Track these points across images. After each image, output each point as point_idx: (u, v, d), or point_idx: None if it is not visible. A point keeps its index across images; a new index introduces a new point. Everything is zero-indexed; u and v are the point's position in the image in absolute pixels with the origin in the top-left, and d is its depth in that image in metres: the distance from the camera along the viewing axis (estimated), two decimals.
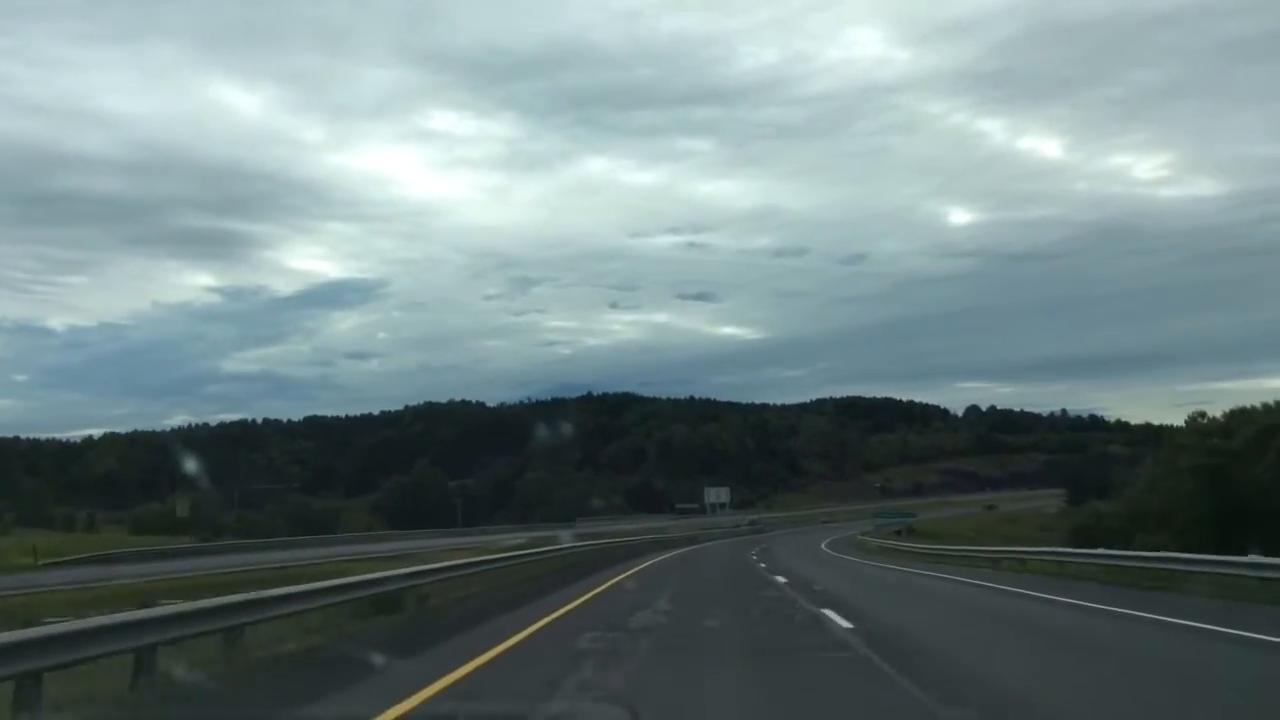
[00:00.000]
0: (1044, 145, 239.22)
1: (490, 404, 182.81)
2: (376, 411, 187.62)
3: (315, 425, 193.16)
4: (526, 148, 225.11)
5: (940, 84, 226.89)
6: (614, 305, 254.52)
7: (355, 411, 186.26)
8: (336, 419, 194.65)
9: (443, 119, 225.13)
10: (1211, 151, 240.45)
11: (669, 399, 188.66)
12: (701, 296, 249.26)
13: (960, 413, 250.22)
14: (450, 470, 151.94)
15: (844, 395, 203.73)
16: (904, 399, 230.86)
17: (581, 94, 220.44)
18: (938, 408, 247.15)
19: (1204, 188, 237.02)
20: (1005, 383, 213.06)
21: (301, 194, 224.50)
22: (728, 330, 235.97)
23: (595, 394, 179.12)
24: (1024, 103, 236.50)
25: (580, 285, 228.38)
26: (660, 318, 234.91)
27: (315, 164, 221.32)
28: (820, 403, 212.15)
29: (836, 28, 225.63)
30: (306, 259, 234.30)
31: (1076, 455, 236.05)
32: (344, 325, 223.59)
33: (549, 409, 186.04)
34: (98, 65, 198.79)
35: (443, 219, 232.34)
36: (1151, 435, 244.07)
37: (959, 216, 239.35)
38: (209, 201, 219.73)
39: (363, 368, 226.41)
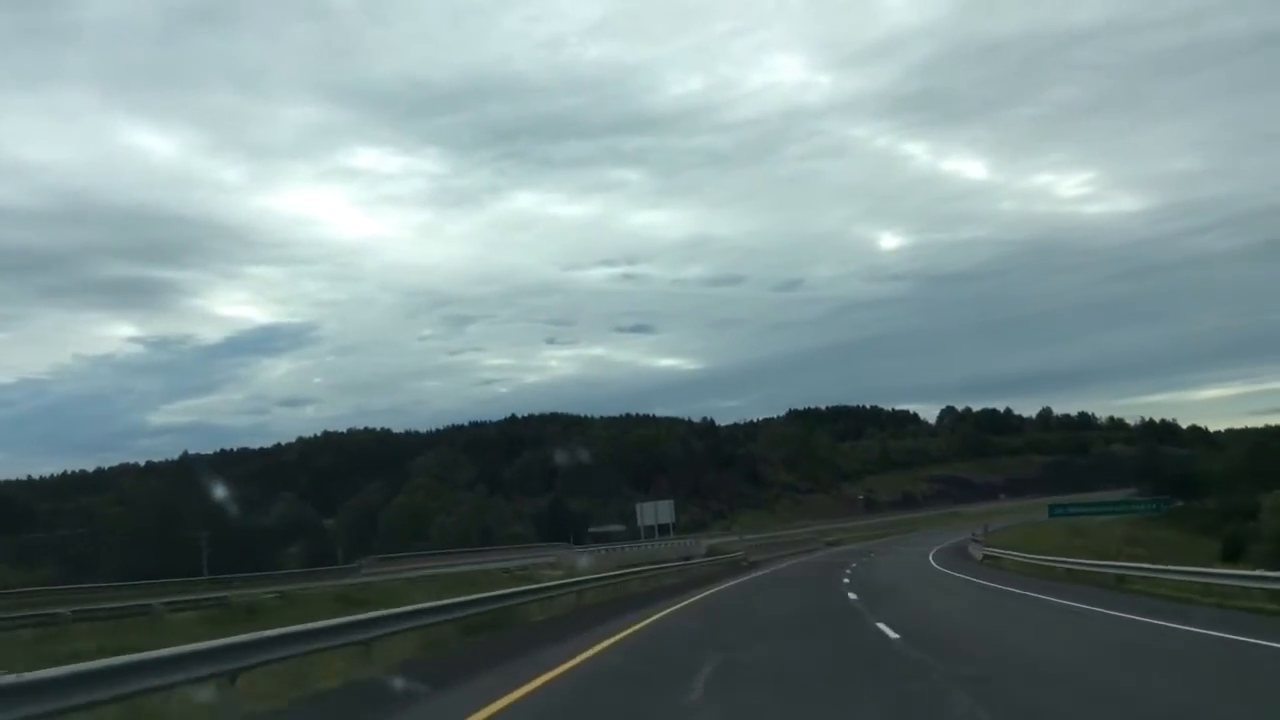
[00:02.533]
0: (968, 166, 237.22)
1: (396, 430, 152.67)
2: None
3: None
4: (453, 183, 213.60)
5: (864, 108, 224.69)
6: (551, 340, 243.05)
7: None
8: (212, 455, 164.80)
9: (366, 156, 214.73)
10: (1132, 167, 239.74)
11: (601, 417, 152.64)
12: (639, 328, 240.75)
13: (933, 419, 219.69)
14: (329, 503, 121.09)
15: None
16: (867, 405, 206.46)
17: (507, 126, 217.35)
18: (908, 412, 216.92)
19: (1126, 203, 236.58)
20: (939, 404, 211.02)
21: (223, 238, 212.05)
22: (667, 362, 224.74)
23: (519, 416, 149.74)
24: (946, 124, 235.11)
25: (516, 321, 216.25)
26: (598, 351, 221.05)
27: (236, 206, 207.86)
28: (770, 420, 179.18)
29: (759, 53, 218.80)
30: (232, 305, 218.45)
31: (1079, 457, 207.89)
32: (276, 372, 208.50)
33: (458, 433, 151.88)
34: (1, 112, 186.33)
35: (371, 259, 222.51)
36: (1155, 432, 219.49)
37: (890, 240, 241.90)
38: (127, 249, 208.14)
39: (299, 415, 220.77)
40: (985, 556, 39.70)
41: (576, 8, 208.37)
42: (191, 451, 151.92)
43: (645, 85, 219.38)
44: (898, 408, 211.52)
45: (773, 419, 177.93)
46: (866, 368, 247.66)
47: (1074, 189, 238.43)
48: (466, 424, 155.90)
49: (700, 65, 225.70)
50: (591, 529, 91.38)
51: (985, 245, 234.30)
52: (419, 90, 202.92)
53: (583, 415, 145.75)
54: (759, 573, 38.80)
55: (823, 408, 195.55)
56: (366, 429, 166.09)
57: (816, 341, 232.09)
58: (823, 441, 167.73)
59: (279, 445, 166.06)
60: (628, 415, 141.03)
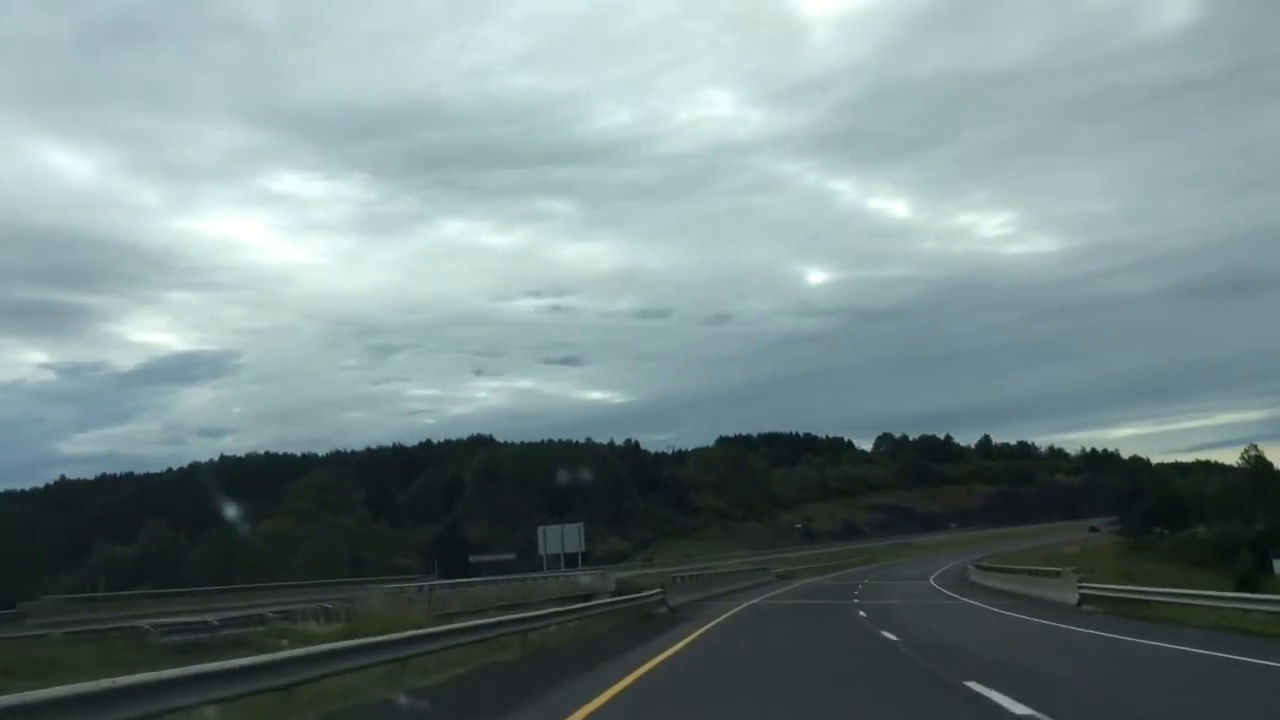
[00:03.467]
0: (893, 205, 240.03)
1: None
2: None
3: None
4: (380, 210, 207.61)
5: (792, 144, 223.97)
6: (478, 372, 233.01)
7: None
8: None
9: (290, 181, 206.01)
10: (1050, 208, 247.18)
11: (520, 443, 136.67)
12: (567, 361, 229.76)
13: (869, 446, 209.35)
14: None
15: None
16: (799, 432, 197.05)
17: (435, 154, 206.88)
18: (842, 439, 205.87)
19: (1043, 244, 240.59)
20: (866, 440, 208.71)
21: (140, 262, 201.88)
22: (596, 394, 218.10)
23: (435, 441, 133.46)
24: (872, 162, 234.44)
25: (443, 352, 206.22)
26: (525, 383, 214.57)
27: (154, 229, 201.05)
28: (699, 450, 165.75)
29: (689, 87, 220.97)
30: (149, 331, 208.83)
31: (1023, 486, 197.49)
32: (194, 401, 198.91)
33: (350, 455, 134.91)
34: None
35: (294, 286, 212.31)
36: (1098, 462, 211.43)
37: (817, 276, 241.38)
38: (38, 272, 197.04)
39: (217, 445, 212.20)
40: (1083, 598, 25.53)
41: (504, 37, 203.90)
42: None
43: (574, 116, 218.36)
44: (832, 435, 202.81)
45: (704, 447, 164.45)
46: (797, 402, 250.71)
47: (994, 229, 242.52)
48: (364, 449, 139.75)
49: (630, 97, 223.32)
50: (473, 558, 75.70)
51: (910, 283, 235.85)
52: (345, 115, 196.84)
53: (496, 438, 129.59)
54: (681, 642, 19.40)
55: (754, 435, 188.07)
56: (252, 454, 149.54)
57: (747, 376, 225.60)
58: (756, 466, 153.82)
59: (169, 470, 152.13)
60: (546, 441, 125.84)
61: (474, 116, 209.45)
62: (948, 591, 40.03)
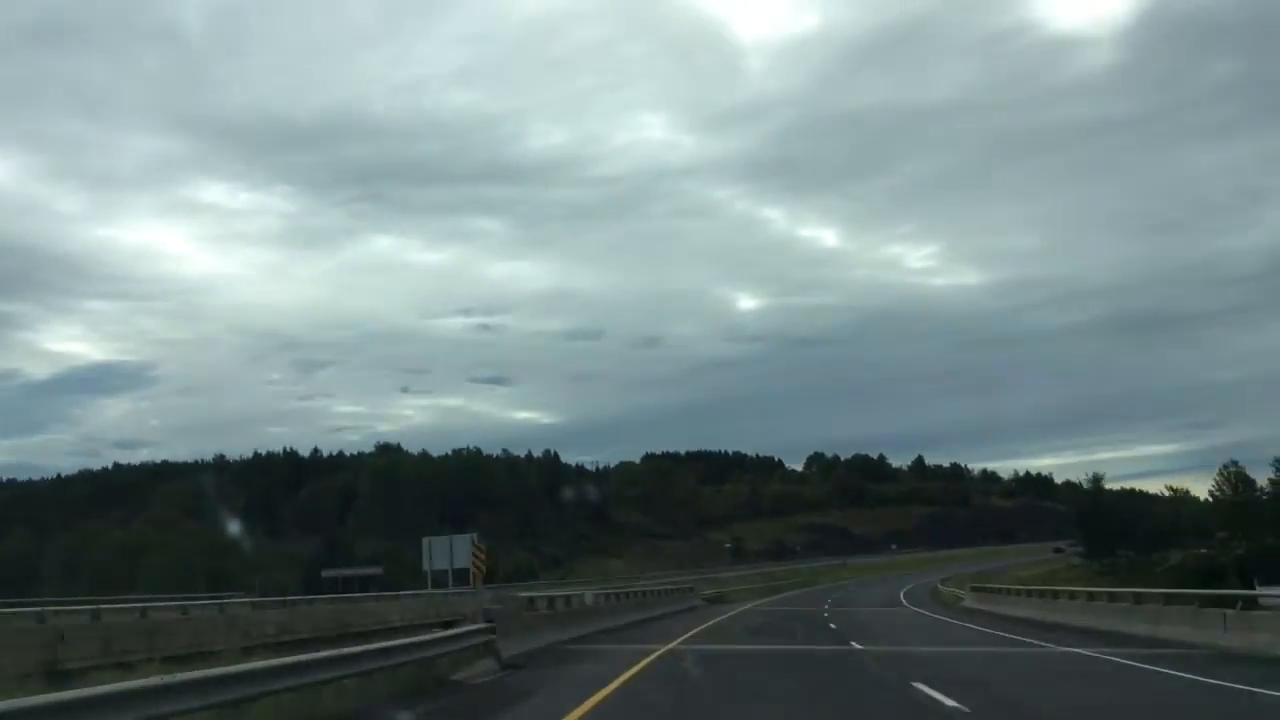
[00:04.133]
0: (824, 234, 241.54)
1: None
2: None
3: None
4: (306, 223, 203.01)
5: (726, 170, 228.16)
6: (405, 389, 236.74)
7: None
8: None
9: (214, 191, 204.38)
10: (975, 242, 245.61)
11: (432, 455, 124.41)
12: (496, 380, 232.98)
13: (800, 465, 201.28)
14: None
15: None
16: (729, 450, 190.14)
17: (365, 168, 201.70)
18: (773, 459, 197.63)
19: (968, 277, 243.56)
20: (797, 462, 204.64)
21: (57, 269, 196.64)
22: (523, 415, 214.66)
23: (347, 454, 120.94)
24: (803, 191, 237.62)
25: (369, 368, 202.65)
26: (453, 402, 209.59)
27: (72, 237, 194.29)
28: (625, 465, 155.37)
29: (625, 110, 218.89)
30: (64, 340, 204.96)
31: (959, 509, 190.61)
32: (111, 413, 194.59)
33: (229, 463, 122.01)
34: None
35: (216, 298, 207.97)
36: (1032, 486, 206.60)
37: (747, 302, 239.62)
38: None
39: (133, 457, 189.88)
40: None
41: (439, 53, 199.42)
42: None
43: (508, 135, 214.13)
44: (763, 454, 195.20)
45: (629, 462, 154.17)
46: (727, 427, 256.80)
47: (921, 261, 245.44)
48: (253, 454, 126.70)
49: (565, 118, 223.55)
50: (326, 572, 64.39)
51: (839, 311, 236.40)
52: (272, 126, 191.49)
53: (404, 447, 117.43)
54: None
55: (682, 452, 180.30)
56: (146, 463, 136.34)
57: (676, 399, 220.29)
58: (682, 482, 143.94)
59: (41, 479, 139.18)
60: (458, 452, 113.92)
61: (406, 132, 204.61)
62: (986, 629, 27.90)
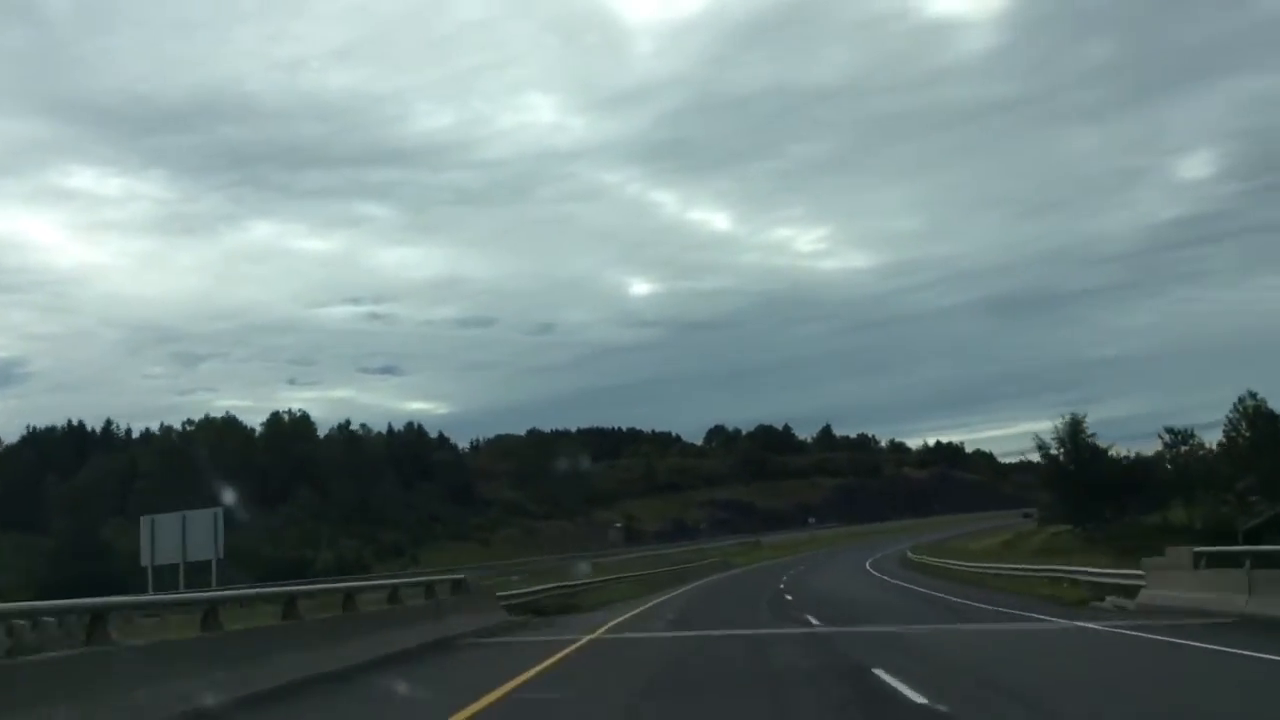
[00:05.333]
0: (715, 217, 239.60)
1: None
2: None
3: None
4: (182, 209, 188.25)
5: (615, 153, 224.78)
6: (292, 381, 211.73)
7: None
8: None
9: (83, 177, 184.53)
10: (862, 225, 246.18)
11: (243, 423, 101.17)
12: (386, 370, 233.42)
13: (700, 437, 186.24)
14: None
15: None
16: (623, 427, 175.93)
17: (243, 151, 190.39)
18: (669, 434, 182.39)
19: (857, 260, 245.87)
20: (696, 438, 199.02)
21: None
22: (415, 405, 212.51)
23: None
24: (694, 174, 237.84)
25: (253, 360, 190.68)
26: (342, 393, 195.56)
27: None
28: (502, 438, 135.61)
29: (512, 91, 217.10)
30: None
31: (870, 480, 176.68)
32: None
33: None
34: None
35: (89, 288, 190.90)
36: (946, 455, 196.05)
37: (640, 286, 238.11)
38: None
39: None
40: None
41: (318, 30, 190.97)
42: None
43: (393, 116, 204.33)
44: (659, 429, 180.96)
45: (509, 435, 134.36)
46: (622, 413, 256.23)
47: (810, 244, 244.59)
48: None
49: (451, 99, 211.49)
50: None
51: (732, 295, 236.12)
52: (143, 107, 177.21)
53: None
54: None
55: (573, 429, 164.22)
56: None
57: (571, 386, 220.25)
58: (568, 457, 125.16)
59: None
60: (276, 413, 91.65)
61: (285, 113, 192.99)
62: None
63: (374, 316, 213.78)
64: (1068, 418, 63.28)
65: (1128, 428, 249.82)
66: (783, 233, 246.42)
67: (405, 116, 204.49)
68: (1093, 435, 63.17)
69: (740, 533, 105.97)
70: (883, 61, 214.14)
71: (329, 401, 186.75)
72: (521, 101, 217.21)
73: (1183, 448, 62.74)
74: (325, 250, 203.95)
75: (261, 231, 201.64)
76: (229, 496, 72.14)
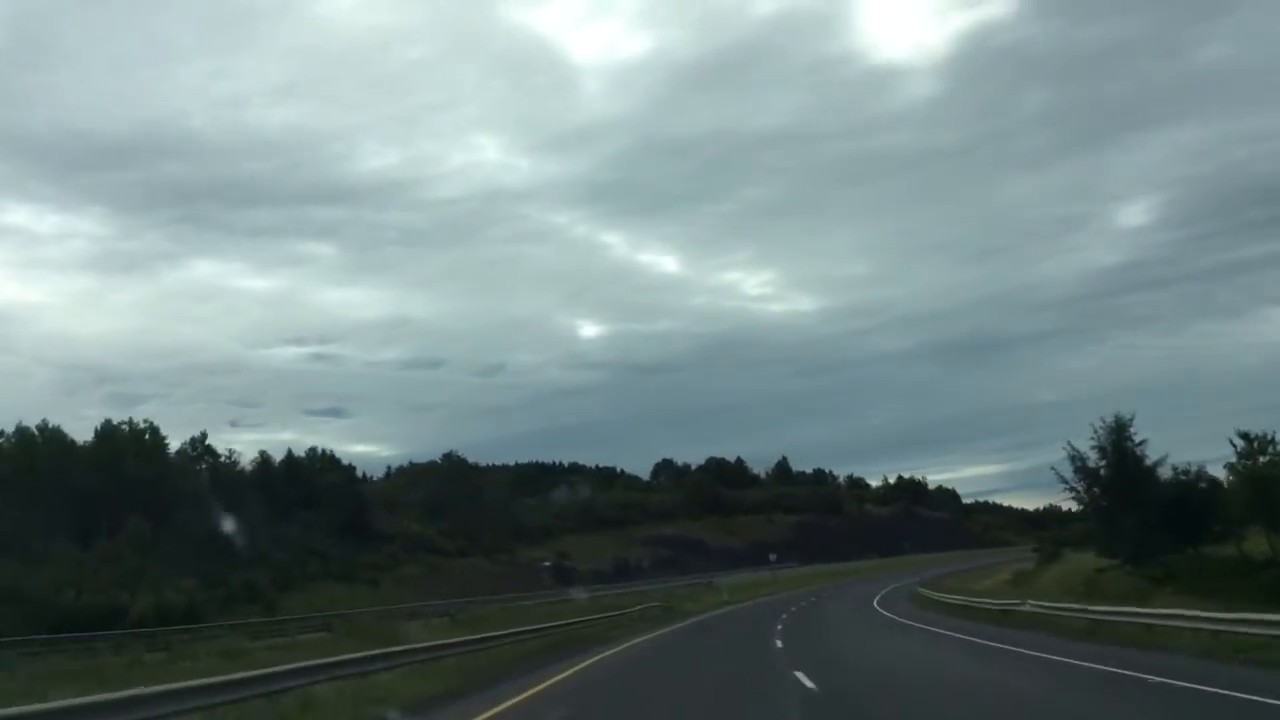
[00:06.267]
0: (663, 260, 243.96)
1: None
2: None
3: None
4: (120, 247, 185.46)
5: (564, 194, 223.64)
6: (234, 423, 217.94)
7: None
8: None
9: (18, 213, 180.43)
10: (809, 268, 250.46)
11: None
12: (332, 412, 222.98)
13: (647, 474, 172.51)
14: None
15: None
16: (564, 461, 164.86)
17: (184, 188, 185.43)
18: (613, 469, 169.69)
19: (802, 303, 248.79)
20: (642, 473, 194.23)
21: None
22: (361, 448, 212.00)
23: None
24: (642, 216, 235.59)
25: (194, 402, 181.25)
26: (286, 436, 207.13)
27: None
28: (415, 465, 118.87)
29: (459, 131, 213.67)
30: None
31: (831, 517, 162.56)
32: None
33: None
34: None
35: (24, 327, 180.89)
36: (907, 491, 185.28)
37: (589, 329, 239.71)
38: None
39: None
40: None
41: (262, 67, 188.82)
42: None
43: (338, 154, 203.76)
44: (602, 464, 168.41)
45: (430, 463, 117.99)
46: (569, 454, 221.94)
47: (757, 287, 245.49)
48: None
49: (397, 138, 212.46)
50: None
51: (680, 337, 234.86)
52: (81, 143, 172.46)
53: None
54: None
55: (510, 463, 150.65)
56: None
57: (519, 428, 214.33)
58: (493, 487, 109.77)
59: None
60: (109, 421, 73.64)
61: (227, 150, 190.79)
62: None
63: (319, 357, 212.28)
64: (1110, 420, 49.19)
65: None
66: (731, 276, 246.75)
67: (351, 155, 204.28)
68: (1141, 443, 49.14)
69: (690, 573, 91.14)
70: (829, 107, 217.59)
71: (274, 444, 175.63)
72: (469, 141, 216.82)
73: (1261, 458, 49.14)
74: (269, 289, 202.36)
75: (203, 270, 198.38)
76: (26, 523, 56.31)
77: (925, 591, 49.29)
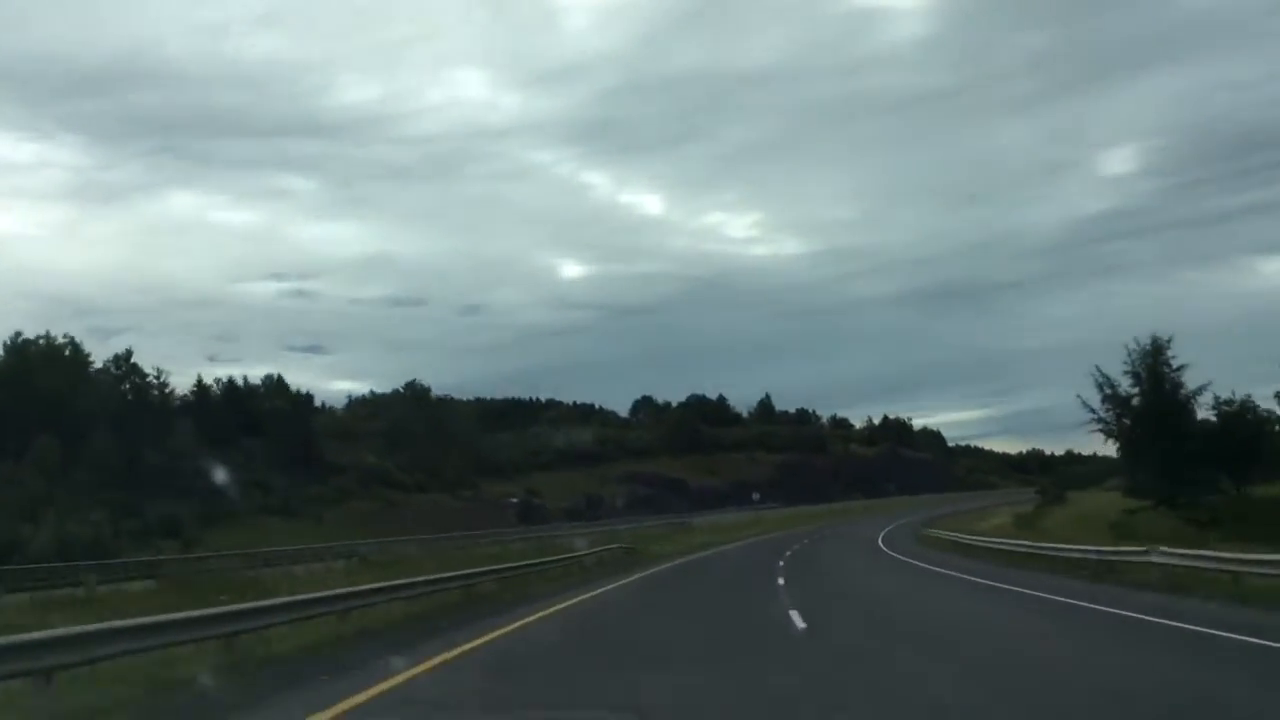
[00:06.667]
0: (646, 200, 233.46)
1: None
2: None
3: None
4: (98, 177, 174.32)
5: (546, 132, 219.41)
6: (212, 358, 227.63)
7: None
8: None
9: None
10: (795, 211, 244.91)
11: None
12: (312, 348, 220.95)
13: (625, 411, 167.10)
14: None
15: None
16: (539, 398, 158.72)
17: (161, 118, 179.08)
18: (592, 406, 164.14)
19: (789, 247, 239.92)
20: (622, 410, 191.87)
21: None
22: (343, 384, 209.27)
23: None
24: (627, 156, 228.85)
25: (172, 335, 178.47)
26: (266, 370, 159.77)
27: None
28: (376, 395, 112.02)
29: (441, 65, 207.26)
30: None
31: (816, 456, 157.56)
32: None
33: None
34: None
35: (2, 260, 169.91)
36: (892, 432, 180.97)
37: (571, 269, 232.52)
38: None
39: None
40: None
41: None
42: None
43: (317, 86, 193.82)
44: (581, 401, 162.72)
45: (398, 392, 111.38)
46: (548, 393, 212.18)
47: (743, 230, 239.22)
48: None
49: (378, 70, 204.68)
50: None
51: (663, 279, 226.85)
52: (57, 70, 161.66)
53: None
54: None
55: (486, 397, 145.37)
56: None
57: (501, 367, 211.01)
58: (459, 420, 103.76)
59: None
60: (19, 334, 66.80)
61: (205, 79, 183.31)
62: None
63: (299, 293, 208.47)
64: (1146, 343, 43.15)
65: (1044, 419, 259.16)
66: (715, 217, 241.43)
67: (330, 87, 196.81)
68: (1179, 369, 43.15)
69: (668, 512, 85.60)
70: (816, 47, 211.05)
71: (251, 380, 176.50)
72: (451, 76, 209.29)
73: None
74: (248, 223, 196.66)
75: (181, 202, 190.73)
76: None
77: (941, 533, 43.50)
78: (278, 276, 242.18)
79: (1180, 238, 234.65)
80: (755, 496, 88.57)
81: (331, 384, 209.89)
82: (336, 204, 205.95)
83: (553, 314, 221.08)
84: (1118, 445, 47.31)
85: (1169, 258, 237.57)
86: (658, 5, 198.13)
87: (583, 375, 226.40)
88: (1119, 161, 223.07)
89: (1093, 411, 44.20)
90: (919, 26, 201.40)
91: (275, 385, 75.78)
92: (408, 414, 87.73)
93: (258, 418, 69.37)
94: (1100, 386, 44.31)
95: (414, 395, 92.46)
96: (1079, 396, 44.76)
